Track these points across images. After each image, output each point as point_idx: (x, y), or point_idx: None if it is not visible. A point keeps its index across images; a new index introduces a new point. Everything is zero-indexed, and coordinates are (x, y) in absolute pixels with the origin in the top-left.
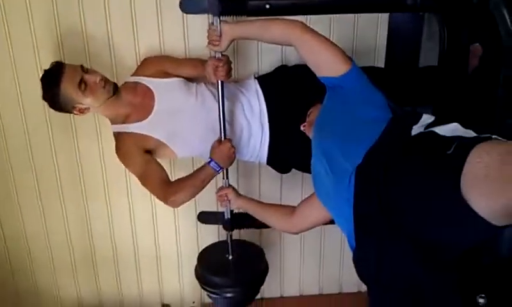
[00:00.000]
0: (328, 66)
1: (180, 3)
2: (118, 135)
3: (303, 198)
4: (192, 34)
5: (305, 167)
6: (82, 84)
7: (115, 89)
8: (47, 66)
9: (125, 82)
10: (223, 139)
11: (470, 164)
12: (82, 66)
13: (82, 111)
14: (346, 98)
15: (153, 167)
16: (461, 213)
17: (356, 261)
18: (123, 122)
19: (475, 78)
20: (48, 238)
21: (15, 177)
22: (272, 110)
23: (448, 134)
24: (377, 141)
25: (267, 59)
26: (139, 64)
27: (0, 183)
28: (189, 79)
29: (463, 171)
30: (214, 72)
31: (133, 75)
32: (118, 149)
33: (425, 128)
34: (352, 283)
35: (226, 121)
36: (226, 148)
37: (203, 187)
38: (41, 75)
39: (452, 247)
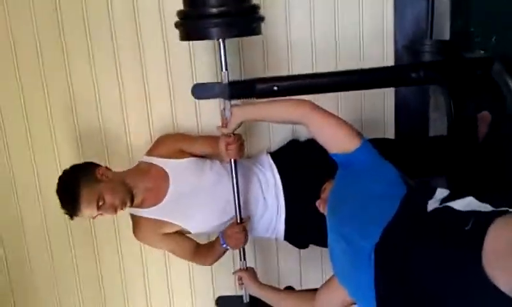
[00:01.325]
0: (338, 143)
1: (192, 90)
2: (134, 218)
3: (324, 274)
4: (204, 110)
5: (323, 242)
6: (100, 214)
7: (131, 203)
8: (66, 164)
9: (140, 162)
10: (238, 220)
11: (489, 239)
12: (98, 200)
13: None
14: (358, 174)
15: (176, 246)
16: (485, 292)
17: None
18: (138, 207)
19: (487, 146)
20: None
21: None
22: (287, 183)
23: (464, 209)
24: (394, 218)
25: (278, 134)
26: (153, 143)
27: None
28: (203, 156)
29: (483, 247)
30: (226, 151)
31: (147, 154)
32: (135, 233)
33: (440, 203)
34: None
35: (241, 198)
36: (235, 232)
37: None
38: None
39: None
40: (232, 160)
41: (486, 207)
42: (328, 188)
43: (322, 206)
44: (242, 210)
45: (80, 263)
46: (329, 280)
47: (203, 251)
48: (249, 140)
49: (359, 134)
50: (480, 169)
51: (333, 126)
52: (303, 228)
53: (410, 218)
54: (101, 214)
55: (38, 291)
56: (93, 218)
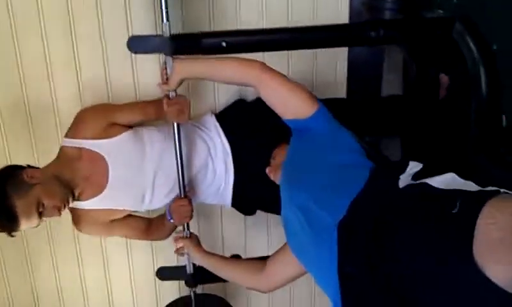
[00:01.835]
0: (292, 108)
1: (128, 43)
2: (74, 211)
3: (270, 242)
4: (142, 69)
5: (271, 208)
6: (41, 221)
7: (73, 197)
8: None
9: (63, 148)
10: (181, 194)
11: (481, 226)
12: (37, 206)
13: None
14: (315, 141)
15: (127, 230)
16: (474, 282)
17: None
18: (77, 200)
19: (444, 110)
20: None
21: None
22: (235, 147)
23: (443, 187)
24: (362, 192)
25: (223, 93)
26: (73, 121)
27: None
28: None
29: (474, 235)
30: (169, 114)
31: (70, 136)
32: (78, 227)
33: (413, 178)
34: None
35: (185, 167)
36: (179, 205)
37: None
38: None
39: None
40: (175, 125)
41: (471, 186)
42: (279, 155)
43: (273, 174)
44: (186, 181)
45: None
46: (281, 249)
47: (154, 228)
48: (192, 99)
49: (315, 99)
50: (436, 131)
51: (288, 90)
52: (251, 194)
53: (380, 194)
54: (43, 221)
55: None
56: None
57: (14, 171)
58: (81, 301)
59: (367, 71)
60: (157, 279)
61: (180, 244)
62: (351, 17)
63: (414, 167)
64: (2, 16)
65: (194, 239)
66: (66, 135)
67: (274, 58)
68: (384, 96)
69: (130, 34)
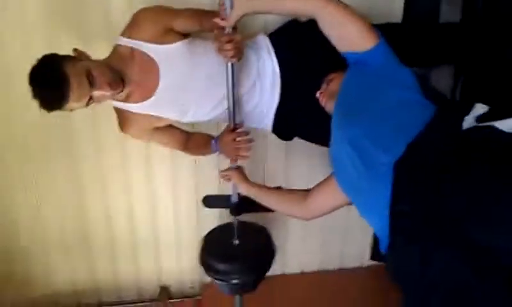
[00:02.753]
0: (352, 40)
1: None
2: (120, 112)
3: (309, 174)
4: None
5: (310, 136)
6: (90, 100)
7: (123, 86)
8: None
9: (117, 46)
10: (232, 126)
11: None
12: (88, 76)
13: None
14: (373, 77)
15: (168, 139)
16: None
17: (392, 262)
18: (124, 101)
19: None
20: (42, 221)
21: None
22: (285, 70)
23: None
24: (422, 132)
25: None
26: (130, 20)
27: None
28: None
29: None
30: (222, 51)
31: (125, 36)
32: (122, 128)
33: (478, 121)
34: (354, 257)
35: (238, 83)
36: (231, 141)
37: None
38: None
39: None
40: (229, 64)
41: None
42: (335, 81)
43: (324, 99)
44: (237, 110)
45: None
46: (326, 180)
47: (194, 144)
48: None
49: (376, 33)
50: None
51: (349, 22)
52: (293, 119)
53: (442, 135)
54: (91, 99)
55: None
56: (86, 105)
57: (65, 54)
58: (125, 220)
59: (424, 2)
60: (197, 206)
61: (227, 173)
62: None
63: (479, 108)
64: None
65: (240, 170)
66: (122, 34)
67: None
68: (441, 24)
69: None
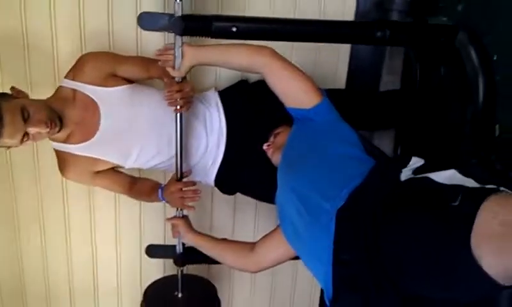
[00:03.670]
0: (298, 96)
1: (139, 19)
2: (60, 154)
3: (256, 227)
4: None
5: (252, 192)
6: (25, 137)
7: (60, 127)
8: None
9: (60, 87)
10: (178, 176)
11: (482, 219)
12: (22, 112)
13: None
14: (317, 132)
15: (110, 183)
16: (468, 270)
17: None
18: (65, 142)
19: (442, 111)
20: None
21: None
22: (231, 127)
23: (447, 182)
24: (363, 182)
25: (225, 71)
26: (75, 63)
27: None
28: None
29: (474, 227)
30: (171, 102)
31: (70, 78)
32: (62, 171)
33: (414, 173)
34: None
35: (183, 147)
36: (177, 191)
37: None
38: None
39: (449, 304)
40: (178, 114)
41: (471, 182)
42: (282, 135)
43: (271, 151)
44: (183, 161)
45: None
46: (272, 232)
47: (138, 189)
48: (194, 74)
49: (320, 90)
50: (431, 129)
51: (295, 79)
52: (236, 175)
53: (382, 185)
54: (26, 136)
55: None
56: (20, 142)
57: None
58: (65, 269)
59: (367, 68)
60: (141, 256)
61: (174, 222)
62: (356, 14)
63: (416, 162)
64: None
65: (186, 220)
66: (66, 76)
67: (277, 44)
68: (382, 91)
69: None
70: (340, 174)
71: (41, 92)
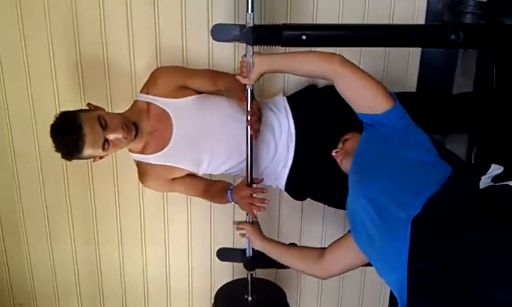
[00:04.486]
0: (368, 102)
1: (212, 30)
2: (139, 164)
3: (324, 232)
4: (217, 50)
5: (321, 198)
6: (105, 144)
7: (136, 133)
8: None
9: (136, 101)
10: (248, 181)
11: None
12: (100, 121)
13: (101, 158)
14: (389, 137)
15: (186, 188)
16: None
17: None
18: (141, 152)
19: None
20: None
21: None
22: (300, 131)
23: None
24: (440, 190)
25: (293, 76)
26: (148, 78)
27: (9, 220)
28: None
29: None
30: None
31: (144, 92)
32: (142, 180)
33: (493, 181)
34: None
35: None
36: (246, 196)
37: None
38: (54, 132)
39: None
40: (248, 128)
41: None
42: (351, 142)
43: (340, 157)
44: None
45: (74, 197)
46: (343, 238)
47: (213, 193)
48: (264, 80)
49: (391, 95)
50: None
51: (365, 85)
52: (306, 180)
53: (460, 194)
54: (107, 143)
55: (27, 224)
56: (102, 151)
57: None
58: (140, 271)
59: (439, 70)
60: (211, 259)
61: (243, 228)
62: (427, 17)
63: (495, 169)
64: None
65: (256, 225)
66: (141, 91)
67: (345, 50)
68: (455, 94)
69: (210, 21)
70: (415, 181)
71: (120, 109)
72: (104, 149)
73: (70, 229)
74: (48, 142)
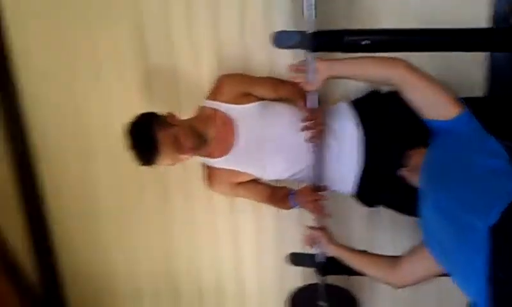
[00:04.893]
0: (436, 108)
1: (273, 37)
2: (206, 168)
3: (394, 241)
4: (279, 58)
5: (393, 205)
6: (176, 161)
7: (205, 145)
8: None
9: (202, 107)
10: (315, 187)
11: None
12: (174, 142)
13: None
14: (459, 144)
15: (250, 193)
16: None
17: None
18: (208, 156)
19: None
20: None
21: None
22: (366, 136)
23: None
24: None
25: (354, 83)
26: (214, 84)
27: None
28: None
29: None
30: (306, 133)
31: (210, 98)
32: (208, 183)
33: None
34: None
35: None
36: (311, 201)
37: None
38: (132, 146)
39: None
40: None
41: None
42: (417, 158)
43: (409, 175)
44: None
45: (150, 209)
46: (416, 248)
47: (278, 198)
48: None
49: (459, 101)
50: None
51: (433, 91)
52: (375, 187)
53: None
54: (177, 158)
55: (105, 234)
56: (172, 164)
57: (158, 114)
58: (211, 270)
59: (508, 73)
60: (281, 263)
61: (315, 234)
62: (493, 20)
63: None
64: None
65: (326, 230)
66: (207, 97)
67: (408, 54)
68: None
69: (269, 28)
70: (489, 190)
71: (188, 113)
72: (173, 164)
73: (146, 230)
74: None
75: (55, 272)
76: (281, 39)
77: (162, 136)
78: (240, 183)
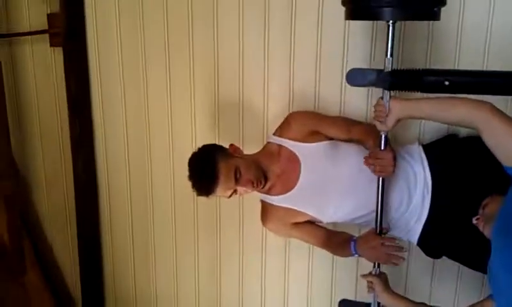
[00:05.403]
0: None
1: (348, 74)
2: (264, 204)
3: (457, 295)
4: (350, 95)
5: (460, 258)
6: (234, 193)
7: (265, 184)
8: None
9: (268, 143)
10: (377, 231)
11: None
12: (235, 173)
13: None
14: None
15: (306, 235)
16: None
17: None
18: (267, 193)
19: None
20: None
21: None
22: (438, 182)
23: None
24: None
25: (429, 124)
26: (283, 121)
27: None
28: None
29: None
30: (375, 166)
31: (277, 134)
32: (263, 220)
33: None
34: None
35: (385, 191)
36: (379, 245)
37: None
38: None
39: None
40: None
41: None
42: (491, 206)
43: (482, 224)
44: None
45: (202, 240)
46: (483, 302)
47: (334, 243)
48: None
49: None
50: None
51: None
52: (442, 237)
53: None
54: (235, 192)
55: (156, 261)
56: (228, 196)
57: (222, 146)
58: None
59: None
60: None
61: (370, 279)
62: None
63: None
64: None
65: (383, 277)
66: (274, 133)
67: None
68: None
69: (344, 65)
70: None
71: (251, 148)
72: (230, 196)
73: (195, 261)
74: (182, 176)
75: (100, 292)
76: (356, 77)
77: (224, 166)
78: (295, 224)
